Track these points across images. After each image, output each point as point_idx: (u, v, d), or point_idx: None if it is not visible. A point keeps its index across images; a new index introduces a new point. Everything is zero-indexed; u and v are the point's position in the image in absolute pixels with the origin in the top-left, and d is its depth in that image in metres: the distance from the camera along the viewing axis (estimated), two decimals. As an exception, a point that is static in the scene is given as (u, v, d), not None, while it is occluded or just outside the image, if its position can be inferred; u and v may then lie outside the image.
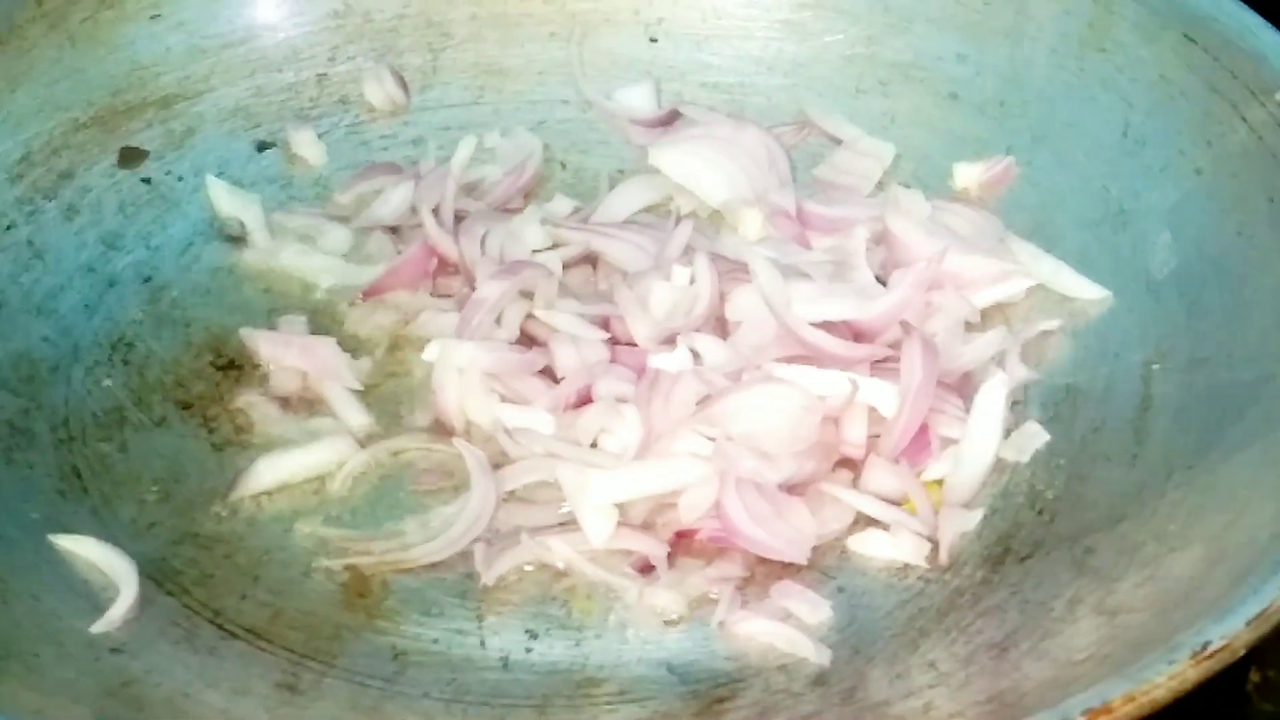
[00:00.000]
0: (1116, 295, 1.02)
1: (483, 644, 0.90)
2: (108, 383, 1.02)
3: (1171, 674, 0.73)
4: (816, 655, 0.87)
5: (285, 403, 1.01)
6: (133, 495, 0.96)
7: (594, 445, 0.96)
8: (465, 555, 0.93)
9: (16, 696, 0.80)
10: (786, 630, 0.88)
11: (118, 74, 1.15)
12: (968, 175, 1.12)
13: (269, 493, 0.96)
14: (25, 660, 0.84)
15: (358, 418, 1.00)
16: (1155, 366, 0.98)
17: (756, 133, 1.14)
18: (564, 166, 1.16)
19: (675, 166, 1.14)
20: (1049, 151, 1.10)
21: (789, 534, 0.92)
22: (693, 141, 1.14)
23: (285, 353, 1.02)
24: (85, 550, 0.91)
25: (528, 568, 0.92)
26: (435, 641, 0.90)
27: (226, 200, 1.12)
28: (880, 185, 1.12)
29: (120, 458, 0.98)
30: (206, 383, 1.02)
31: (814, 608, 0.90)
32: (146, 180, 1.12)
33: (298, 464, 0.97)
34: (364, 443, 0.99)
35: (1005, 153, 1.12)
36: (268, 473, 0.97)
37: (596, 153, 1.17)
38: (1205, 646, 0.74)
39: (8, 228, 1.07)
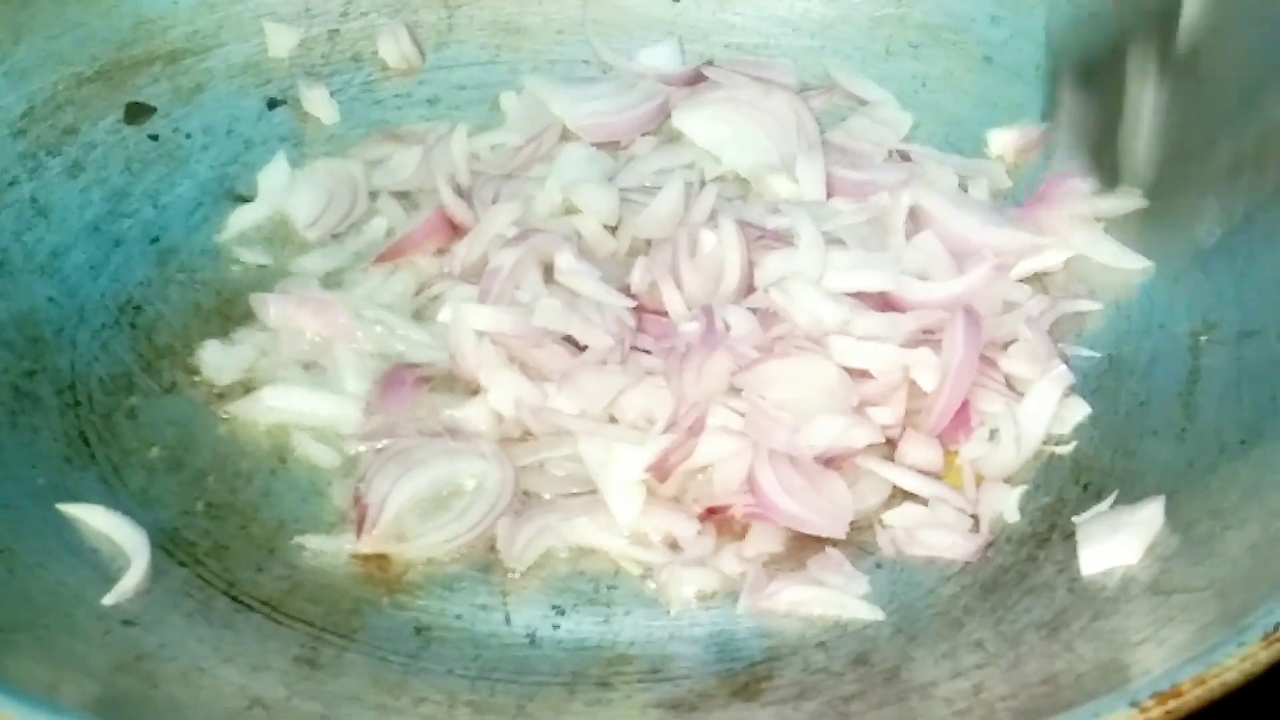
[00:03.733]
0: (1160, 265, 0.99)
1: (508, 620, 0.87)
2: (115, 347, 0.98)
3: (1243, 655, 0.71)
4: (870, 613, 0.85)
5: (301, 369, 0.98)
6: (142, 463, 0.93)
7: (614, 419, 0.92)
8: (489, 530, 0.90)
9: (28, 671, 0.77)
10: (832, 595, 0.85)
11: (123, 27, 1.11)
12: (1002, 142, 1.09)
13: (284, 461, 0.93)
14: (35, 633, 0.80)
15: (359, 383, 0.96)
16: (1203, 338, 0.95)
17: (784, 97, 1.10)
18: (584, 129, 1.13)
19: (700, 131, 1.10)
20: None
21: (825, 508, 0.89)
22: (718, 105, 1.11)
23: (296, 313, 0.99)
24: (94, 519, 0.88)
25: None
26: (459, 617, 0.87)
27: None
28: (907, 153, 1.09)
29: (129, 424, 0.95)
30: (217, 348, 0.99)
31: (851, 580, 0.87)
32: (154, 137, 1.09)
33: (302, 401, 0.95)
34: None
35: (1040, 118, 1.08)
36: (271, 399, 0.95)
37: (616, 113, 1.13)
38: (1277, 628, 0.71)
39: (10, 183, 1.03)
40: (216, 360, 0.97)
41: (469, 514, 0.90)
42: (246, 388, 0.96)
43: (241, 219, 1.05)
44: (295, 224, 1.05)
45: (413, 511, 0.90)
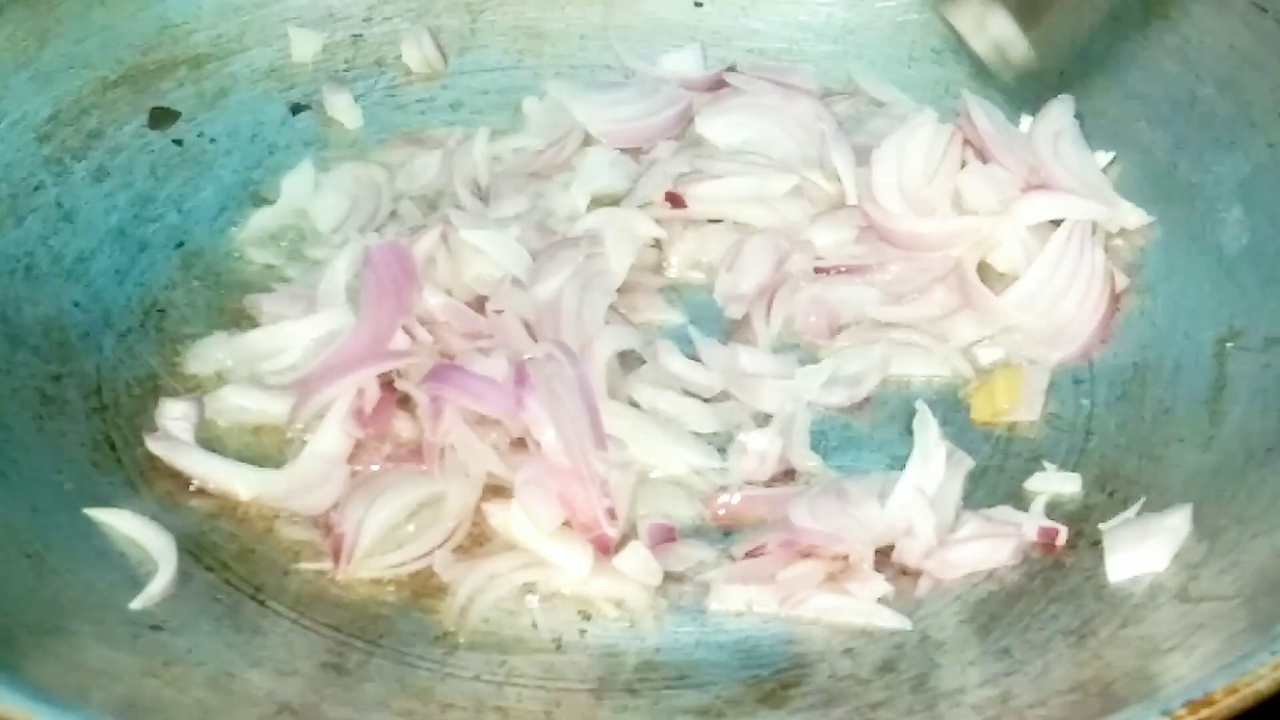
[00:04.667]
0: (1186, 271, 0.99)
1: (534, 625, 0.86)
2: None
3: (1275, 664, 0.71)
4: (897, 621, 0.85)
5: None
6: (167, 469, 0.93)
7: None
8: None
9: (59, 677, 0.77)
10: (860, 604, 0.85)
11: (148, 32, 1.12)
12: None
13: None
14: (64, 638, 0.80)
15: None
16: (1229, 345, 0.95)
17: (807, 102, 1.10)
18: (607, 133, 1.13)
19: (722, 136, 1.10)
20: (1111, 123, 1.07)
21: (854, 528, 0.88)
22: (741, 110, 1.11)
23: (290, 310, 0.98)
24: (122, 524, 0.88)
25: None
26: (485, 621, 0.87)
27: None
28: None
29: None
30: (242, 352, 0.99)
31: (877, 589, 0.86)
32: (178, 142, 1.09)
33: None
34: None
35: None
36: (266, 341, 0.96)
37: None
38: (1309, 636, 0.72)
39: (36, 188, 1.04)
40: (202, 353, 0.98)
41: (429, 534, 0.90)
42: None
43: (261, 221, 1.06)
44: (318, 228, 1.05)
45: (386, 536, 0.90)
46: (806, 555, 0.88)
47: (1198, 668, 0.73)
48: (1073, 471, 0.92)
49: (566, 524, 0.88)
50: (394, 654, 0.85)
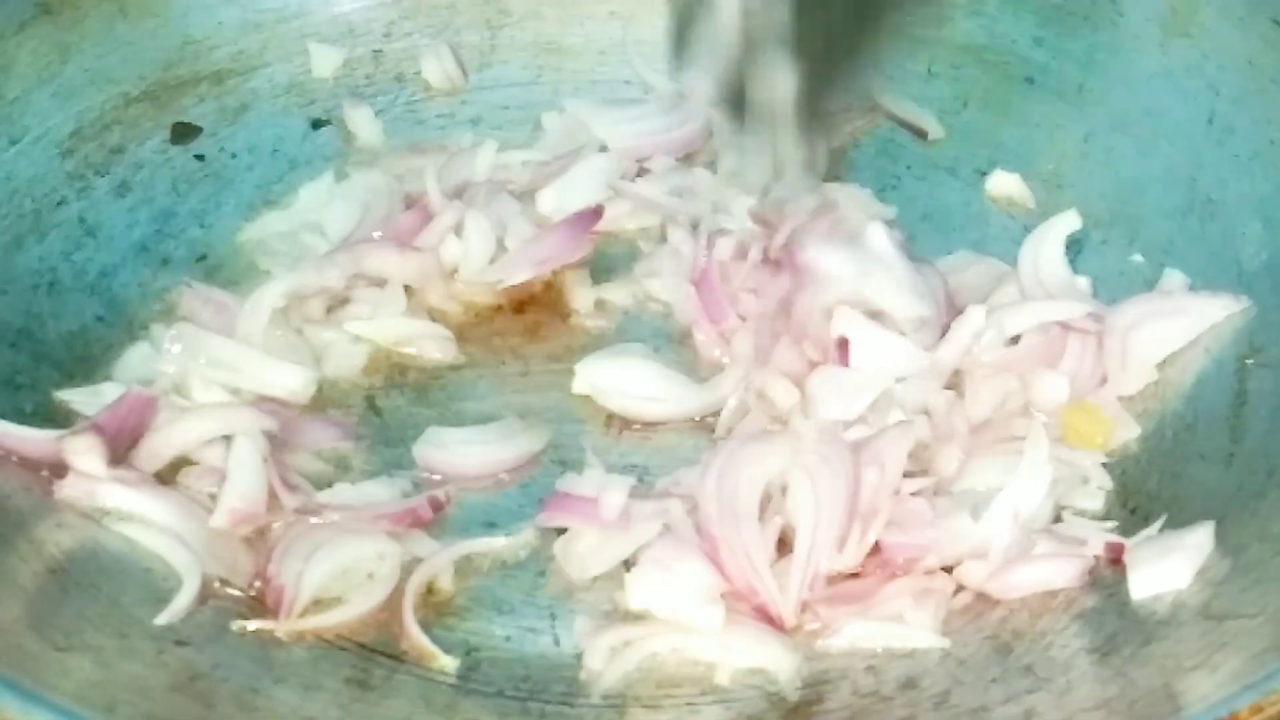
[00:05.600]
0: (1206, 288, 0.99)
1: (557, 641, 0.87)
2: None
3: (1299, 684, 0.71)
4: (935, 641, 0.84)
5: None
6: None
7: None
8: (535, 553, 0.90)
9: (85, 693, 0.77)
10: (898, 628, 0.85)
11: (169, 47, 1.12)
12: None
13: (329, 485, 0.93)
14: (92, 653, 0.81)
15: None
16: (1249, 362, 0.95)
17: None
18: (626, 148, 1.13)
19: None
20: (1130, 140, 1.07)
21: (947, 541, 0.87)
22: None
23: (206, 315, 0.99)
24: (146, 538, 0.88)
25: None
26: (508, 639, 0.87)
27: None
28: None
29: (178, 444, 0.95)
30: (263, 368, 0.99)
31: (919, 611, 0.86)
32: (200, 157, 1.09)
33: None
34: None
35: (1084, 140, 1.09)
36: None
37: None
38: (1332, 656, 0.72)
39: (59, 203, 1.04)
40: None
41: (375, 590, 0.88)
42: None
43: (267, 225, 1.06)
44: (328, 235, 1.05)
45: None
46: (895, 576, 0.87)
47: (1223, 686, 0.73)
48: (1098, 491, 0.92)
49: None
50: (417, 669, 0.85)
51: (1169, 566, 0.84)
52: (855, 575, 0.87)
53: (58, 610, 0.83)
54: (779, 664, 0.84)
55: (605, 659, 0.85)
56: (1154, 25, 1.08)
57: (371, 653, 0.85)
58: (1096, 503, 0.91)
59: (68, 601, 0.84)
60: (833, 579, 0.86)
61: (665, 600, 0.85)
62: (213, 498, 0.89)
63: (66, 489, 0.88)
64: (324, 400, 0.97)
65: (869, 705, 0.82)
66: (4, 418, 0.91)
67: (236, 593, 0.87)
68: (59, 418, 0.94)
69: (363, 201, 1.07)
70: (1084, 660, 0.82)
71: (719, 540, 0.86)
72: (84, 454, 0.88)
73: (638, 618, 0.86)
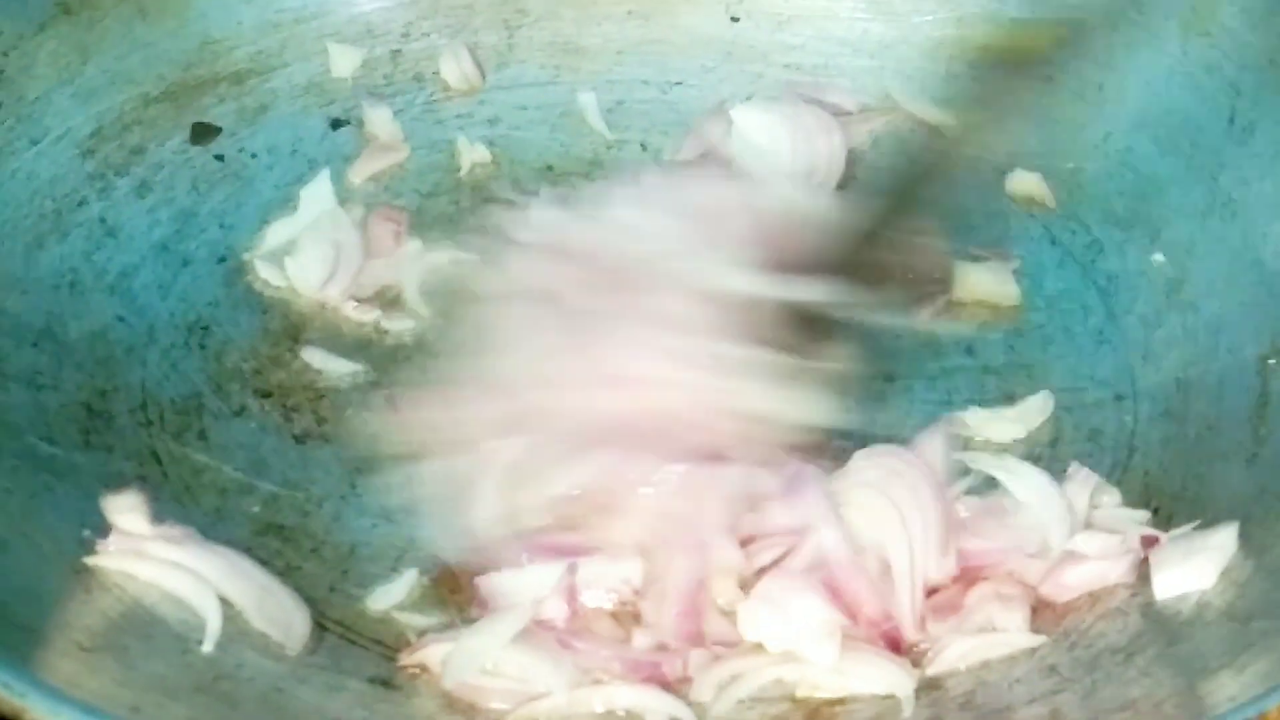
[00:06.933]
0: (1228, 288, 0.99)
1: (575, 644, 0.87)
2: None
3: (1328, 685, 0.71)
4: (1035, 640, 0.83)
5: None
6: (214, 484, 0.93)
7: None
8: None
9: (111, 693, 0.77)
10: (999, 638, 0.84)
11: (189, 48, 1.12)
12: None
13: (354, 487, 0.93)
14: (116, 654, 0.81)
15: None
16: (1271, 362, 0.95)
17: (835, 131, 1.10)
18: (644, 148, 1.13)
19: (752, 131, 1.10)
20: (1150, 139, 1.07)
21: (1022, 538, 0.87)
22: (779, 116, 1.11)
23: None
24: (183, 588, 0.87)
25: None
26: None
27: None
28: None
29: (200, 445, 0.95)
30: (286, 371, 0.99)
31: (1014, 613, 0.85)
32: (219, 157, 1.09)
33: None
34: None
35: (1103, 139, 1.09)
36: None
37: (677, 134, 1.13)
38: (1362, 656, 0.72)
39: (80, 204, 1.04)
40: None
41: None
42: (320, 419, 0.96)
43: (276, 235, 1.06)
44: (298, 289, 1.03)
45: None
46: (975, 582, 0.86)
47: (1249, 687, 0.73)
48: (1115, 488, 0.92)
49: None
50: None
51: (1193, 567, 0.84)
52: (933, 591, 0.86)
53: (83, 611, 0.83)
54: (901, 687, 0.82)
55: (714, 693, 0.83)
56: (1174, 24, 1.08)
57: (396, 651, 0.85)
58: (1116, 499, 0.91)
59: (92, 602, 0.84)
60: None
61: (780, 635, 0.84)
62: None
63: (111, 548, 0.86)
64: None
65: (893, 706, 0.82)
66: (27, 418, 0.92)
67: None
68: (82, 419, 0.94)
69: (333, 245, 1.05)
70: (1109, 660, 0.82)
71: (844, 570, 0.84)
72: (127, 513, 0.86)
73: (750, 649, 0.84)
